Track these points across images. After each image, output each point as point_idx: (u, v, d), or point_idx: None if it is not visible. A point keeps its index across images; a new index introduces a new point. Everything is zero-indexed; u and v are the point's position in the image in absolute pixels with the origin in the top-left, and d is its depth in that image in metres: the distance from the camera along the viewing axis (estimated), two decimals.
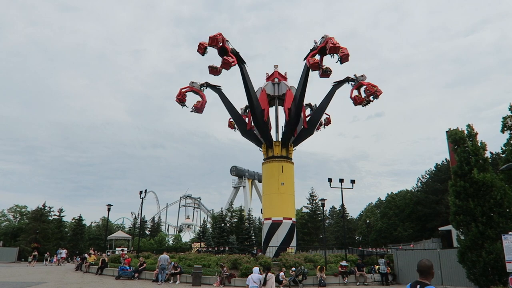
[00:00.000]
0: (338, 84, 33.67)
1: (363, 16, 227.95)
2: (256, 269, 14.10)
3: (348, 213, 73.56)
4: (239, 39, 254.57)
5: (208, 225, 66.85)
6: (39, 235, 54.75)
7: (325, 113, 36.68)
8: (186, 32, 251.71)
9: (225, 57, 28.46)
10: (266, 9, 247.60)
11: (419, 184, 61.52)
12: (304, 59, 31.33)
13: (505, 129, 26.11)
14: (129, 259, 27.37)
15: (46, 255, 45.30)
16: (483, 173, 15.84)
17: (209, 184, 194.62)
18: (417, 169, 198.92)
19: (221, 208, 59.81)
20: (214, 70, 29.16)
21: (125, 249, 49.10)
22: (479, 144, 17.05)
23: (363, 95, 31.11)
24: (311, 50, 30.37)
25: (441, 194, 50.54)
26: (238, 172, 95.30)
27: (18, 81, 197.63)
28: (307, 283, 21.99)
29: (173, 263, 23.95)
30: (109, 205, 33.75)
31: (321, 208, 33.75)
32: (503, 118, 26.57)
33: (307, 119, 34.66)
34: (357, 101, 31.47)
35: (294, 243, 31.07)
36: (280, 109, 36.17)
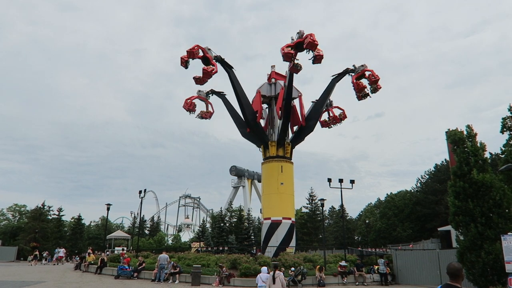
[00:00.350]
0: (337, 77, 33.40)
1: (363, 16, 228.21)
2: (264, 268, 14.18)
3: (347, 213, 73.68)
4: (239, 39, 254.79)
5: (208, 225, 66.88)
6: (38, 234, 54.72)
7: (339, 108, 36.01)
8: (186, 32, 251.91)
9: (204, 67, 29.24)
10: (266, 9, 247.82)
11: (419, 185, 61.58)
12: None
13: (505, 129, 26.12)
14: (129, 259, 27.37)
15: (45, 254, 45.27)
16: (482, 173, 15.85)
17: (208, 184, 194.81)
18: (416, 169, 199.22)
19: (221, 208, 59.78)
20: (198, 80, 29.98)
21: (125, 248, 49.14)
22: (478, 144, 17.05)
23: (365, 84, 30.91)
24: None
25: (441, 194, 50.58)
26: (237, 172, 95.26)
27: (18, 81, 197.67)
28: (306, 283, 22.00)
29: (172, 262, 23.96)
30: (109, 204, 33.74)
31: (321, 208, 33.75)
32: (503, 118, 26.59)
33: (306, 115, 34.50)
34: (359, 86, 31.11)
35: (293, 243, 31.07)
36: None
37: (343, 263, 24.40)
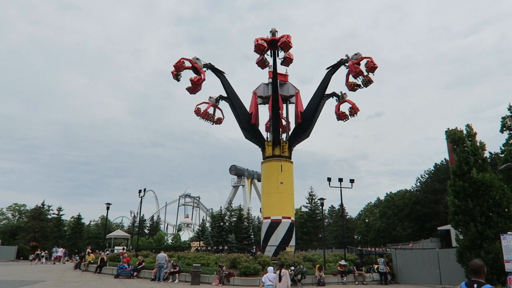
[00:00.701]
0: (332, 69, 32.97)
1: (363, 16, 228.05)
2: (271, 268, 14.37)
3: (347, 213, 73.77)
4: (239, 39, 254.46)
5: (207, 224, 66.90)
6: (38, 233, 54.72)
7: (349, 102, 34.14)
8: (186, 32, 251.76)
9: (191, 77, 30.37)
10: (266, 9, 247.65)
11: (418, 184, 61.61)
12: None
13: (504, 129, 26.13)
14: (128, 258, 27.36)
15: (44, 253, 45.20)
16: (482, 173, 15.86)
17: (208, 183, 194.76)
18: (416, 169, 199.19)
19: (220, 207, 59.83)
20: (190, 90, 30.92)
21: (124, 247, 49.10)
22: (478, 144, 17.07)
23: (359, 76, 30.53)
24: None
25: (440, 194, 50.62)
26: (237, 171, 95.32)
27: (18, 80, 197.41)
28: (306, 282, 22.02)
29: (172, 261, 23.96)
30: (108, 203, 33.71)
31: (320, 207, 33.76)
32: (502, 118, 26.60)
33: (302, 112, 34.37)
34: (352, 86, 31.76)
35: (293, 242, 31.09)
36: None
37: (342, 262, 24.39)
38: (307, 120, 33.33)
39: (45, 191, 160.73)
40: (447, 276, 21.72)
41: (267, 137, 34.55)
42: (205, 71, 32.74)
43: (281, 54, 29.23)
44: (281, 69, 35.93)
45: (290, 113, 36.57)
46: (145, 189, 34.52)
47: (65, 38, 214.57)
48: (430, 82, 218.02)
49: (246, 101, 34.41)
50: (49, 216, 61.74)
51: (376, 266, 24.99)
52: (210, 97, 34.40)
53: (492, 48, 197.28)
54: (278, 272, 13.21)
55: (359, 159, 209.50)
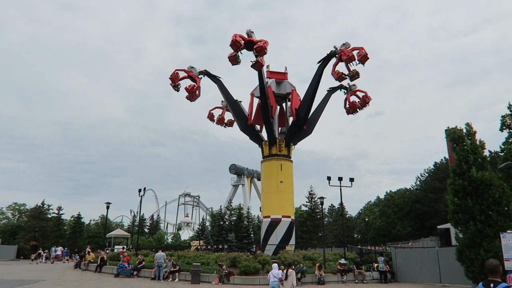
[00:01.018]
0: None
1: (363, 16, 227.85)
2: (275, 265, 14.86)
3: (347, 212, 73.71)
4: None
5: (207, 223, 66.92)
6: (37, 233, 54.70)
7: (361, 91, 33.36)
8: (187, 31, 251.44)
9: (186, 86, 31.19)
10: (266, 9, 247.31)
11: (418, 183, 61.63)
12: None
13: (504, 127, 26.15)
14: (128, 257, 27.37)
15: (43, 253, 45.15)
16: (481, 171, 15.86)
17: (208, 182, 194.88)
18: (416, 168, 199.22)
19: (220, 206, 59.79)
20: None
21: (124, 247, 49.11)
22: (477, 142, 17.07)
23: (351, 67, 30.52)
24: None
25: (440, 192, 50.65)
26: (237, 170, 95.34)
27: (18, 80, 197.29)
28: (306, 281, 22.05)
29: (172, 260, 23.98)
30: (108, 203, 33.72)
31: (320, 206, 33.76)
32: (502, 116, 26.60)
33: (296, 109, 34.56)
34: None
35: (293, 241, 31.11)
36: (280, 107, 36.19)
37: (342, 261, 24.42)
38: (301, 118, 33.02)
39: (45, 191, 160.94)
40: (447, 275, 21.75)
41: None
42: (201, 78, 32.93)
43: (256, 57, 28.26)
44: (280, 67, 36.06)
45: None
46: (145, 188, 34.57)
47: (65, 37, 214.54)
48: (430, 82, 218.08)
49: (247, 101, 34.57)
50: (49, 216, 61.66)
51: (376, 264, 25.03)
52: (222, 101, 35.16)
53: (492, 48, 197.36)
54: (285, 271, 13.81)
55: (359, 158, 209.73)
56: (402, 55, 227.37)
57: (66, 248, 50.39)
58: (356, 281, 23.66)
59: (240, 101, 35.23)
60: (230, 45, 27.15)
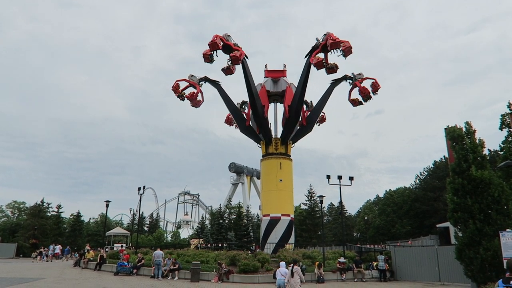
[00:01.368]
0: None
1: (363, 15, 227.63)
2: (283, 263, 14.92)
3: (346, 210, 73.76)
4: (239, 36, 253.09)
5: (207, 222, 66.95)
6: (37, 231, 54.73)
7: (370, 78, 32.96)
8: (186, 29, 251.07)
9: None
10: (266, 7, 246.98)
11: (417, 181, 61.67)
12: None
13: (504, 126, 26.18)
14: (128, 255, 27.40)
15: (43, 251, 45.15)
16: (481, 170, 15.84)
17: (208, 181, 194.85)
18: (416, 166, 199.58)
19: (220, 205, 59.81)
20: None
21: (124, 245, 49.15)
22: (477, 141, 17.04)
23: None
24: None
25: (439, 191, 50.71)
26: (236, 169, 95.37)
27: (18, 78, 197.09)
28: (305, 279, 22.02)
29: (172, 259, 24.00)
30: (108, 201, 33.71)
31: (320, 205, 33.80)
32: (502, 115, 26.63)
33: (307, 116, 34.64)
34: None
35: (292, 239, 31.13)
36: (279, 106, 36.19)
37: (342, 259, 24.45)
38: (310, 124, 33.88)
39: (45, 189, 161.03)
40: (446, 273, 21.78)
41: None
42: (201, 84, 32.72)
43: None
44: (279, 65, 36.02)
45: (280, 110, 36.65)
46: (144, 187, 34.57)
47: (65, 35, 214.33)
48: (430, 80, 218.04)
49: (246, 98, 34.46)
50: (48, 214, 61.70)
51: (375, 263, 25.06)
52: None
53: (492, 47, 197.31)
54: (290, 268, 13.80)
55: (359, 157, 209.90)
56: (402, 54, 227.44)
57: (68, 247, 50.44)
58: (355, 279, 23.69)
59: (219, 82, 34.76)
60: (208, 44, 27.34)
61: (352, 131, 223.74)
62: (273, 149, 32.58)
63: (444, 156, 55.37)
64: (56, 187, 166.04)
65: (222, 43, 27.88)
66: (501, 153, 26.58)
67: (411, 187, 62.62)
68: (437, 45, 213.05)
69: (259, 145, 34.16)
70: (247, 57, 31.60)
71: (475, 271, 15.10)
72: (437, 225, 40.98)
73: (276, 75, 34.92)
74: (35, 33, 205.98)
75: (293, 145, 34.31)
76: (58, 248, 44.87)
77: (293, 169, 33.51)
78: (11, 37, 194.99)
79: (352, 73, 32.36)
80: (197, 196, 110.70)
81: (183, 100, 31.81)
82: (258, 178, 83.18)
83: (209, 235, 51.30)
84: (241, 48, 29.82)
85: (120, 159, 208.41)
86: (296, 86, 33.37)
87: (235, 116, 34.79)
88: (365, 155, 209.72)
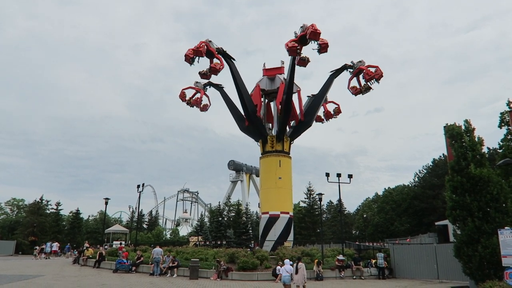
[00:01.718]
0: (335, 73, 33.93)
1: (363, 12, 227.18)
2: (287, 260, 15.25)
3: (345, 208, 73.92)
4: (239, 34, 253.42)
5: (206, 219, 67.03)
6: (36, 228, 54.75)
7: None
8: (186, 27, 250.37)
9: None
10: (266, 4, 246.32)
11: (416, 179, 61.72)
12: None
13: (503, 124, 26.20)
14: (127, 253, 27.42)
15: (38, 247, 44.99)
16: (480, 168, 15.86)
17: (207, 178, 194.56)
18: (415, 164, 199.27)
19: (219, 202, 59.86)
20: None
21: (123, 242, 49.18)
22: (476, 139, 17.05)
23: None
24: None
25: (438, 189, 50.75)
26: (235, 167, 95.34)
27: (17, 75, 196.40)
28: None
29: (171, 256, 24.02)
30: (107, 198, 33.68)
31: (319, 202, 33.84)
32: (501, 113, 26.64)
33: (304, 110, 34.52)
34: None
35: (291, 237, 31.19)
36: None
37: (340, 257, 24.50)
38: (308, 119, 33.91)
39: (44, 186, 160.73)
40: (445, 271, 21.84)
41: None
42: (206, 90, 35.02)
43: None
44: (278, 63, 35.83)
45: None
46: (143, 184, 34.58)
47: (64, 32, 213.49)
48: (429, 78, 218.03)
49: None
50: (47, 211, 61.76)
51: (374, 261, 25.12)
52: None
53: (492, 45, 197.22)
54: (295, 265, 14.13)
55: (358, 155, 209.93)
56: (401, 52, 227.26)
57: (68, 244, 50.44)
58: (354, 277, 23.76)
59: (222, 86, 35.84)
60: (193, 50, 28.20)
61: (352, 129, 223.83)
62: (270, 147, 32.61)
63: (443, 154, 55.42)
64: (56, 184, 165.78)
65: (206, 49, 29.30)
66: (500, 151, 26.62)
67: (410, 185, 62.66)
68: (437, 43, 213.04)
69: (258, 143, 34.19)
70: (234, 59, 32.45)
71: (473, 269, 15.14)
72: (436, 223, 41.01)
73: (273, 73, 34.85)
74: (34, 31, 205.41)
75: (293, 142, 34.29)
76: (55, 245, 44.82)
77: (292, 167, 33.53)
78: (11, 35, 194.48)
79: (352, 61, 32.48)
80: (196, 193, 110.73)
81: (192, 107, 33.51)
82: (257, 175, 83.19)
83: (208, 233, 51.39)
84: (222, 56, 31.29)
85: (119, 156, 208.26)
86: (283, 81, 33.45)
87: (236, 117, 34.85)
88: (364, 153, 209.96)
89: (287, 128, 34.62)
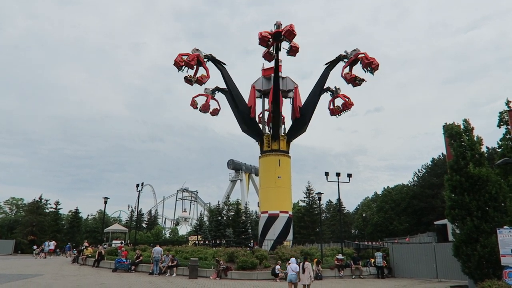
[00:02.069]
0: (331, 65, 33.49)
1: (363, 12, 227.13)
2: (293, 259, 15.33)
3: (344, 207, 73.90)
4: (239, 33, 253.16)
5: (205, 219, 67.00)
6: (35, 227, 54.71)
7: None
8: (186, 27, 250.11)
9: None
10: (266, 4, 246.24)
11: (416, 179, 61.75)
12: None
13: (502, 123, 26.20)
14: (126, 252, 27.41)
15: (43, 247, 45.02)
16: (478, 167, 15.87)
17: (207, 178, 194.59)
18: (415, 164, 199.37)
19: (218, 202, 59.86)
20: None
21: (122, 241, 49.17)
22: (475, 138, 17.07)
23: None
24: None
25: (437, 188, 50.78)
26: (235, 166, 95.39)
27: (17, 74, 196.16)
28: None
29: (170, 255, 24.02)
30: (106, 197, 33.66)
31: (318, 202, 33.85)
32: (500, 112, 26.64)
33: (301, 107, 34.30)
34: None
35: (290, 236, 31.20)
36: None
37: (340, 256, 24.53)
38: (305, 115, 33.53)
39: (43, 185, 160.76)
40: (444, 270, 21.87)
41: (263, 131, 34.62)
42: (214, 94, 35.14)
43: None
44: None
45: (286, 107, 36.79)
46: (142, 184, 34.53)
47: (64, 32, 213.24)
48: (429, 78, 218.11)
49: (245, 95, 34.55)
50: (46, 210, 61.69)
51: (373, 260, 25.14)
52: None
53: (491, 45, 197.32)
54: (302, 264, 14.35)
55: (358, 154, 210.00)
56: (401, 51, 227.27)
57: (68, 243, 50.39)
58: (353, 276, 23.78)
59: (225, 64, 34.92)
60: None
61: (351, 128, 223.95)
62: (266, 146, 32.65)
63: (442, 154, 55.46)
64: (55, 184, 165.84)
65: (196, 59, 30.20)
66: (499, 150, 26.62)
67: (409, 185, 62.68)
68: (437, 43, 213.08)
69: (256, 141, 34.27)
70: (225, 64, 33.19)
71: (472, 268, 15.16)
72: (435, 222, 41.03)
73: (269, 73, 34.75)
74: (34, 31, 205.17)
75: (292, 140, 34.23)
76: (52, 245, 44.70)
77: (291, 166, 33.54)
78: (11, 35, 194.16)
79: (345, 51, 32.21)
80: (195, 193, 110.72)
81: (205, 113, 34.06)
82: (257, 175, 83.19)
83: (207, 232, 51.38)
84: (212, 62, 32.41)
85: (119, 156, 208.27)
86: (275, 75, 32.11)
87: (238, 119, 34.60)
88: (364, 153, 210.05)
89: (283, 126, 35.04)
